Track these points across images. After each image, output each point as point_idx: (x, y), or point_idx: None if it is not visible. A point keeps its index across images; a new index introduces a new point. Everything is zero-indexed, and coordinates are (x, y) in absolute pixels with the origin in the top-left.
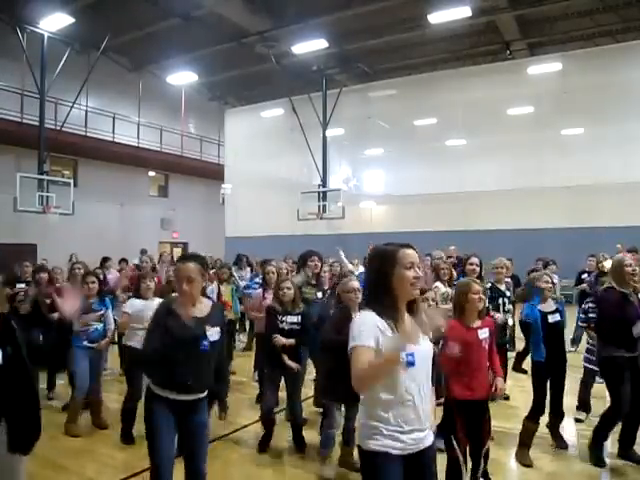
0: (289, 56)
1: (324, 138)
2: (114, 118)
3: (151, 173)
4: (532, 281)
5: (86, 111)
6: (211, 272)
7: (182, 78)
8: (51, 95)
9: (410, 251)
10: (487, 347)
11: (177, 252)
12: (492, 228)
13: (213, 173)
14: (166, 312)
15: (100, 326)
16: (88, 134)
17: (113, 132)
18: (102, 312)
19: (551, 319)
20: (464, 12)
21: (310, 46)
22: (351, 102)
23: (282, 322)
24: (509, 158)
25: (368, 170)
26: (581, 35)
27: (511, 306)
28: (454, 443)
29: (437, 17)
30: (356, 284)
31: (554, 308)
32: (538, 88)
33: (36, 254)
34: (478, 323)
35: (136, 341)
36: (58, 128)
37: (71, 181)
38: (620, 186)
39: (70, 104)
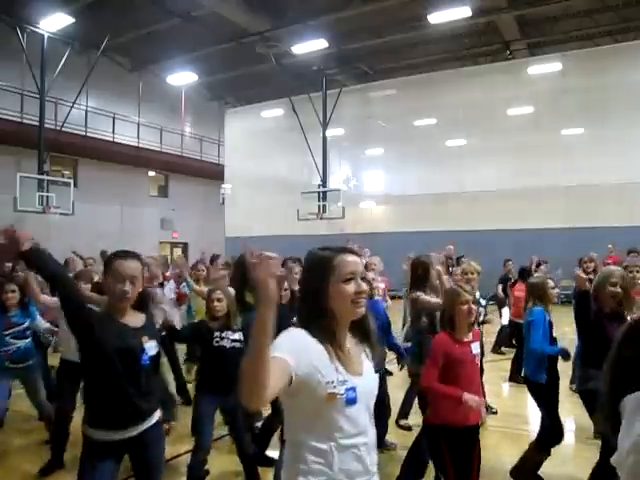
0: (289, 56)
1: (324, 138)
2: (114, 118)
3: (151, 173)
4: (536, 287)
5: (86, 111)
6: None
7: (182, 78)
8: (51, 95)
9: (351, 258)
10: (478, 363)
11: (177, 252)
12: (492, 228)
13: (213, 173)
14: (98, 320)
15: (24, 343)
16: (88, 134)
17: (113, 132)
18: (25, 325)
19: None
20: (464, 12)
21: (310, 46)
22: (351, 102)
23: (221, 339)
24: (509, 158)
25: (368, 170)
26: (581, 35)
27: (490, 315)
28: (440, 476)
29: (437, 17)
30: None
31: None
32: (538, 88)
33: None
34: (470, 336)
35: (71, 354)
36: (58, 128)
37: (71, 181)
38: (620, 186)
39: (70, 104)
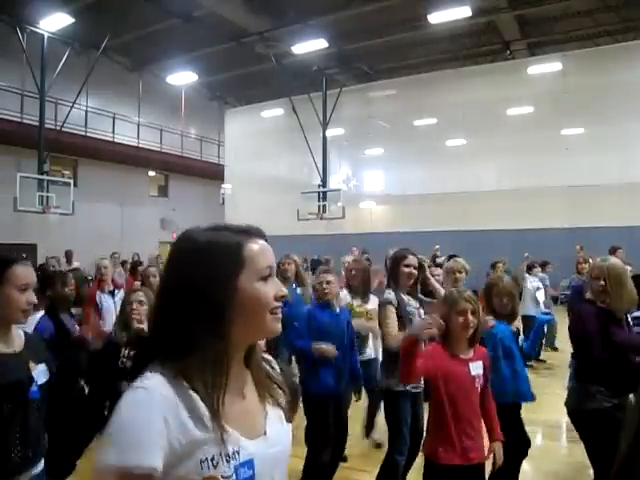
0: (289, 56)
1: (324, 138)
2: (114, 118)
3: (151, 173)
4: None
5: (86, 111)
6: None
7: (182, 78)
8: (51, 95)
9: (266, 245)
10: (480, 388)
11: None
12: (492, 228)
13: (213, 173)
14: None
15: None
16: (88, 134)
17: (113, 132)
18: None
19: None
20: (464, 12)
21: (310, 46)
22: (351, 102)
23: (129, 359)
24: (509, 158)
25: (368, 170)
26: (581, 35)
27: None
28: None
29: (437, 17)
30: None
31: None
32: (538, 88)
33: (36, 254)
34: (469, 354)
35: None
36: (58, 128)
37: (71, 181)
38: (620, 186)
39: (70, 104)
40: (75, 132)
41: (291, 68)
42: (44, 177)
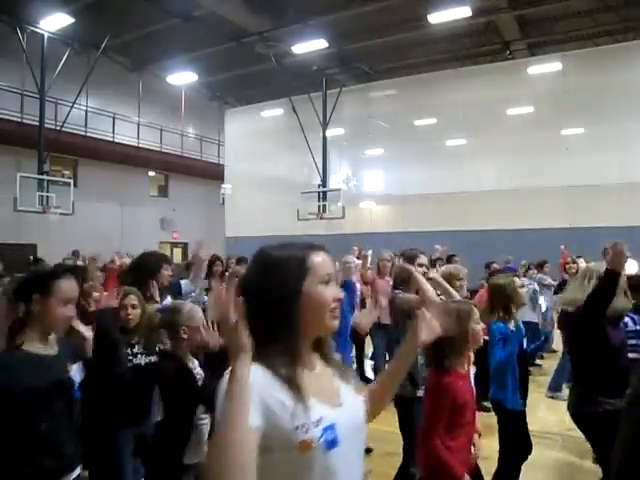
0: (289, 56)
1: (324, 138)
2: (114, 118)
3: (151, 173)
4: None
5: (86, 111)
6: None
7: (182, 78)
8: (51, 95)
9: (327, 256)
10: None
11: (177, 252)
12: (492, 228)
13: (213, 173)
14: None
15: None
16: (88, 134)
17: (113, 132)
18: None
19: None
20: (464, 12)
21: (310, 46)
22: (351, 102)
23: (135, 356)
24: (509, 158)
25: (368, 170)
26: (581, 35)
27: None
28: None
29: (437, 17)
30: None
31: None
32: (538, 88)
33: (36, 254)
34: (466, 367)
35: None
36: (58, 128)
37: (71, 181)
38: (620, 186)
39: (70, 104)
40: (75, 132)
41: (291, 68)
42: (44, 177)
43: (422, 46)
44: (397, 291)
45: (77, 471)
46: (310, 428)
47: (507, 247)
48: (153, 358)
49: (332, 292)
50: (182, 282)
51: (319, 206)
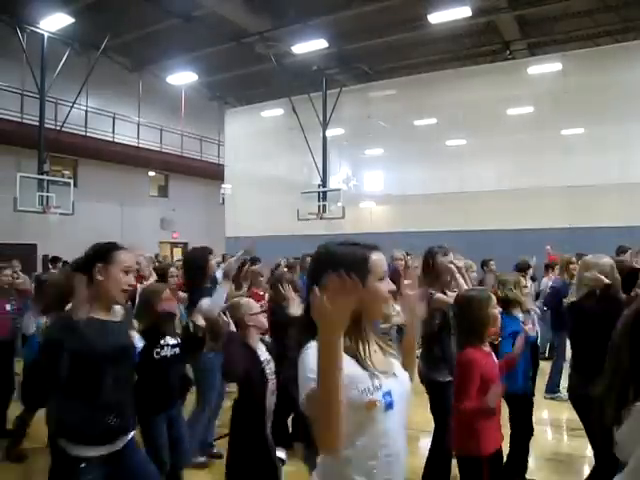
0: (289, 56)
1: (324, 138)
2: (114, 118)
3: (151, 173)
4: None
5: (86, 111)
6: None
7: (182, 78)
8: (51, 95)
9: (382, 255)
10: None
11: (177, 252)
12: (492, 228)
13: (213, 173)
14: (69, 322)
15: None
16: (88, 134)
17: (113, 132)
18: None
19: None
20: (464, 12)
21: (310, 46)
22: (351, 102)
23: (162, 348)
24: (509, 158)
25: (368, 170)
26: (581, 35)
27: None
28: None
29: (437, 17)
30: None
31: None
32: (538, 88)
33: (36, 254)
34: (488, 347)
35: None
36: (58, 128)
37: (71, 181)
38: (620, 186)
39: (70, 104)
40: (75, 132)
41: (291, 68)
42: (44, 177)
43: (422, 46)
44: (432, 291)
45: (132, 433)
46: (373, 392)
47: (507, 247)
48: (177, 350)
49: (387, 286)
50: (217, 273)
51: (319, 206)
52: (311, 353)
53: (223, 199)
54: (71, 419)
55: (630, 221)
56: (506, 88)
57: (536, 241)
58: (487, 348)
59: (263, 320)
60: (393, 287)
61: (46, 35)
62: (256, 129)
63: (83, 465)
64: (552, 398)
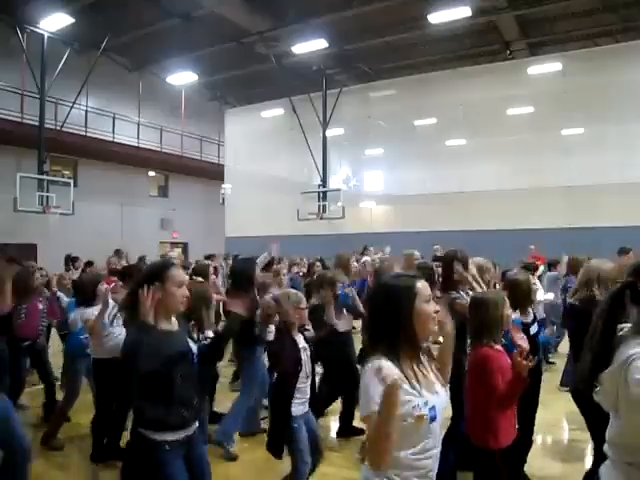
0: (289, 56)
1: (324, 138)
2: (114, 118)
3: (151, 173)
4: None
5: (86, 111)
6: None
7: (182, 78)
8: (51, 95)
9: (425, 283)
10: None
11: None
12: (492, 228)
13: (213, 173)
14: (144, 329)
15: None
16: (88, 134)
17: (113, 132)
18: None
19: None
20: (464, 12)
21: (310, 46)
22: (351, 102)
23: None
24: (509, 158)
25: (368, 170)
26: (581, 35)
27: None
28: None
29: (437, 17)
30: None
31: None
32: (538, 88)
33: (36, 254)
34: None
35: (102, 352)
36: (58, 128)
37: (71, 181)
38: (620, 186)
39: (70, 104)
40: (75, 132)
41: (291, 68)
42: (44, 177)
43: (422, 46)
44: (454, 295)
45: (197, 423)
46: (422, 407)
47: (507, 247)
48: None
49: (432, 307)
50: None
51: (319, 206)
52: (376, 380)
53: (223, 199)
54: (152, 412)
55: (630, 221)
56: (506, 88)
57: (536, 241)
58: (499, 347)
59: (306, 315)
60: (437, 308)
61: (46, 35)
62: (256, 129)
63: (167, 447)
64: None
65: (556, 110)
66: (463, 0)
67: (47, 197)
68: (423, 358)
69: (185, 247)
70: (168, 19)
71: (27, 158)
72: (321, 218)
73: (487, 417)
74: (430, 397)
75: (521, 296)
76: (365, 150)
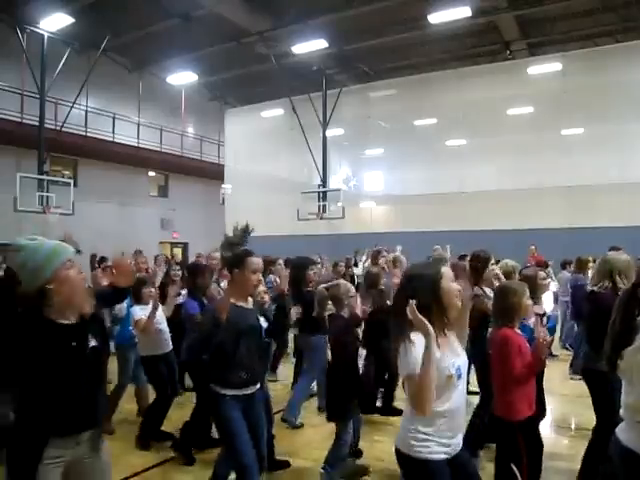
0: (289, 56)
1: (324, 138)
2: (114, 118)
3: (151, 173)
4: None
5: (86, 111)
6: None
7: (182, 78)
8: (51, 95)
9: (449, 268)
10: None
11: (177, 252)
12: (492, 228)
13: (213, 173)
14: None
15: None
16: (88, 134)
17: (113, 132)
18: None
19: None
20: (464, 12)
21: (310, 46)
22: (351, 102)
23: None
24: (509, 158)
25: (368, 170)
26: (581, 35)
27: None
28: (516, 473)
29: (437, 17)
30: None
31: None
32: (538, 88)
33: None
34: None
35: (148, 349)
36: (58, 128)
37: (71, 181)
38: (620, 186)
39: (70, 104)
40: (75, 132)
41: (291, 68)
42: (44, 177)
43: (422, 46)
44: (478, 291)
45: (258, 385)
46: (450, 368)
47: (507, 247)
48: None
49: (457, 286)
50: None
51: (319, 206)
52: (414, 347)
53: (223, 199)
54: (219, 372)
55: (630, 221)
56: (506, 88)
57: (536, 241)
58: (518, 331)
59: (356, 304)
60: (459, 287)
61: (46, 35)
62: (256, 129)
63: (228, 398)
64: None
65: (556, 110)
66: (463, 0)
67: (47, 197)
68: (448, 327)
69: (185, 247)
70: (168, 19)
71: (27, 158)
72: (321, 218)
73: (507, 392)
74: (456, 359)
75: (532, 289)
76: (365, 150)
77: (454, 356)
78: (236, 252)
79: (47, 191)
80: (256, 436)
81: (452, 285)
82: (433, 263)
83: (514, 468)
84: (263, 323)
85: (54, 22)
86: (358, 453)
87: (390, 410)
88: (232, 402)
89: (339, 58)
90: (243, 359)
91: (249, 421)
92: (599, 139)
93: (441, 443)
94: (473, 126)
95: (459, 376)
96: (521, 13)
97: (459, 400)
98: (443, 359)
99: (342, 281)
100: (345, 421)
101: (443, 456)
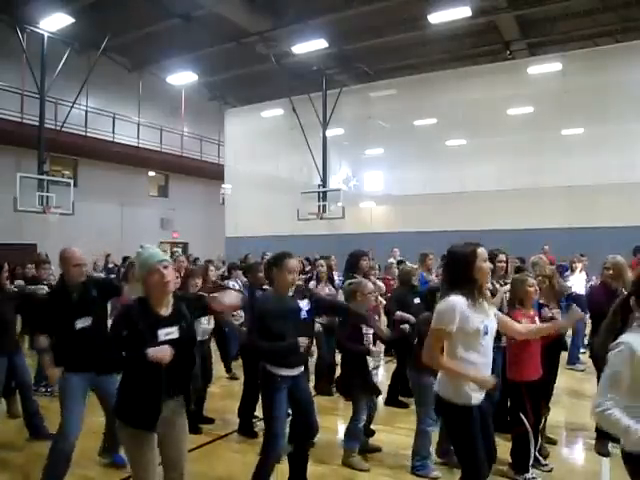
0: (289, 56)
1: (324, 138)
2: (114, 118)
3: (151, 173)
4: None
5: (86, 111)
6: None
7: (182, 78)
8: (51, 95)
9: (484, 249)
10: None
11: (177, 252)
12: (492, 228)
13: (213, 173)
14: (271, 295)
15: None
16: (88, 134)
17: (113, 132)
18: None
19: None
20: (464, 12)
21: (310, 46)
22: (351, 102)
23: None
24: (509, 158)
25: (368, 170)
26: (581, 35)
27: None
28: (524, 420)
29: (437, 17)
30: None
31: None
32: (538, 88)
33: (36, 254)
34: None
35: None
36: (58, 128)
37: (71, 181)
38: (620, 186)
39: (70, 104)
40: (75, 132)
41: (291, 68)
42: (44, 177)
43: (422, 46)
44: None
45: (301, 368)
46: (479, 324)
47: (507, 247)
48: None
49: (488, 265)
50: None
51: (319, 206)
52: (455, 308)
53: (223, 199)
54: (271, 354)
55: (630, 221)
56: (506, 88)
57: (536, 241)
58: (532, 312)
59: (372, 301)
60: (491, 265)
61: (46, 35)
62: (256, 129)
63: (279, 379)
64: (571, 369)
65: (556, 110)
66: (463, 0)
67: (47, 197)
68: (483, 296)
69: (185, 247)
70: (168, 19)
71: (27, 158)
72: (321, 218)
73: (515, 356)
74: (485, 319)
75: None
76: (365, 150)
77: (485, 317)
78: (277, 253)
79: (47, 191)
80: (307, 409)
81: (484, 264)
82: (471, 244)
83: (522, 416)
84: (305, 306)
85: (54, 22)
86: (371, 433)
87: (395, 401)
88: (282, 383)
89: (339, 58)
90: (290, 340)
91: (299, 397)
92: (599, 139)
93: (474, 390)
94: (473, 126)
95: (485, 332)
96: (521, 13)
97: (486, 354)
98: (474, 317)
99: (364, 280)
100: (358, 402)
101: (475, 402)
